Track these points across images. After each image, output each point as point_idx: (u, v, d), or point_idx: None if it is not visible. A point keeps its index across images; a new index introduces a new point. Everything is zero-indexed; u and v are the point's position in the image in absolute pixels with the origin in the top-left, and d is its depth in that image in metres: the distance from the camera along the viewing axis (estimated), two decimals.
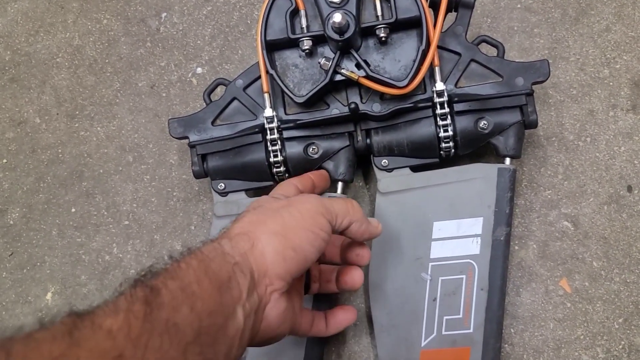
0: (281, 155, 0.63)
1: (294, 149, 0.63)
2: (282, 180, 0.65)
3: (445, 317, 0.59)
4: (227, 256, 0.43)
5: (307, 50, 0.60)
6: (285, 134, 0.63)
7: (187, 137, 0.65)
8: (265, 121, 0.63)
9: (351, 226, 0.52)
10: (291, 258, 0.46)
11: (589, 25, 0.71)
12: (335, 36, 0.57)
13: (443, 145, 0.62)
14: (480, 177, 0.61)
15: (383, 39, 0.59)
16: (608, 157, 0.67)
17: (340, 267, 0.57)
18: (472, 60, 0.62)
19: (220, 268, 0.42)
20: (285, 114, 0.64)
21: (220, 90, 0.67)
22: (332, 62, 0.59)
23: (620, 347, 0.62)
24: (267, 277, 0.45)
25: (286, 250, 0.46)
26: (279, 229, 0.47)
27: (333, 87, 0.62)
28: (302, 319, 0.53)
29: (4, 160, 0.76)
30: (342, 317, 0.57)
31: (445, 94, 0.61)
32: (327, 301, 0.63)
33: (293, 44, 0.61)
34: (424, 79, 0.61)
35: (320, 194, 0.63)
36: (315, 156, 0.63)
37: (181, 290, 0.39)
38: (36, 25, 0.81)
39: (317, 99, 0.62)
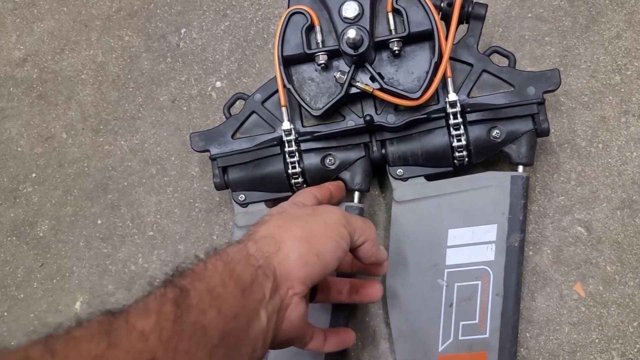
0: (299, 166, 0.65)
1: (312, 160, 0.65)
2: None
3: (461, 323, 0.61)
4: (252, 258, 0.45)
5: (322, 65, 0.62)
6: (303, 145, 0.65)
7: (208, 150, 0.68)
8: (283, 134, 0.65)
9: (364, 244, 0.53)
10: (314, 264, 0.47)
11: (599, 33, 0.72)
12: (350, 51, 0.59)
13: (456, 154, 0.63)
14: (494, 185, 0.63)
15: (396, 52, 0.61)
16: (620, 163, 0.68)
17: (359, 280, 0.59)
18: (484, 70, 0.64)
19: (244, 271, 0.44)
20: (303, 126, 0.66)
21: (239, 104, 0.69)
22: (347, 75, 0.61)
23: (636, 350, 0.63)
24: (289, 280, 0.46)
25: (309, 255, 0.47)
26: (304, 235, 0.48)
27: (348, 100, 0.64)
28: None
29: (33, 175, 0.80)
30: (341, 337, 0.58)
31: (458, 104, 0.62)
32: (345, 310, 0.64)
33: (309, 58, 0.63)
34: (437, 90, 0.62)
35: (337, 204, 0.65)
36: (332, 167, 0.65)
37: (208, 292, 0.40)
38: (62, 44, 0.84)
39: (333, 112, 0.64)
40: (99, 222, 0.77)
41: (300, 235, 0.48)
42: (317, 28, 0.62)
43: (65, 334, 0.34)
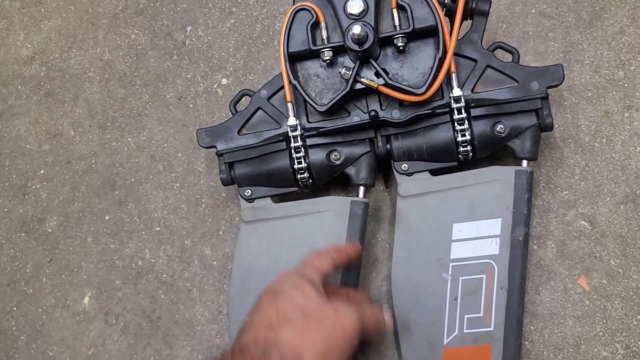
0: (305, 162, 0.66)
1: (317, 155, 0.66)
2: (306, 186, 0.67)
3: (466, 316, 0.61)
4: None
5: (327, 61, 0.62)
6: (309, 141, 0.66)
7: (214, 147, 0.68)
8: (289, 129, 0.66)
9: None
10: None
11: (603, 29, 0.72)
12: (355, 47, 0.60)
13: (461, 149, 0.64)
14: (498, 180, 0.63)
15: (401, 48, 0.62)
16: (624, 158, 0.68)
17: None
18: (488, 66, 0.64)
19: None
20: (308, 122, 0.66)
21: (245, 100, 0.69)
22: (352, 71, 0.62)
23: None
24: None
25: None
26: (322, 350, 0.49)
27: (353, 96, 0.64)
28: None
29: (42, 172, 0.80)
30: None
31: (462, 99, 0.63)
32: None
33: (314, 54, 0.63)
34: (441, 85, 0.63)
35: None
36: (338, 162, 0.66)
37: None
38: (69, 42, 0.85)
39: (338, 107, 0.65)
40: (107, 218, 0.77)
41: (319, 351, 0.49)
42: (323, 24, 0.63)
43: None
